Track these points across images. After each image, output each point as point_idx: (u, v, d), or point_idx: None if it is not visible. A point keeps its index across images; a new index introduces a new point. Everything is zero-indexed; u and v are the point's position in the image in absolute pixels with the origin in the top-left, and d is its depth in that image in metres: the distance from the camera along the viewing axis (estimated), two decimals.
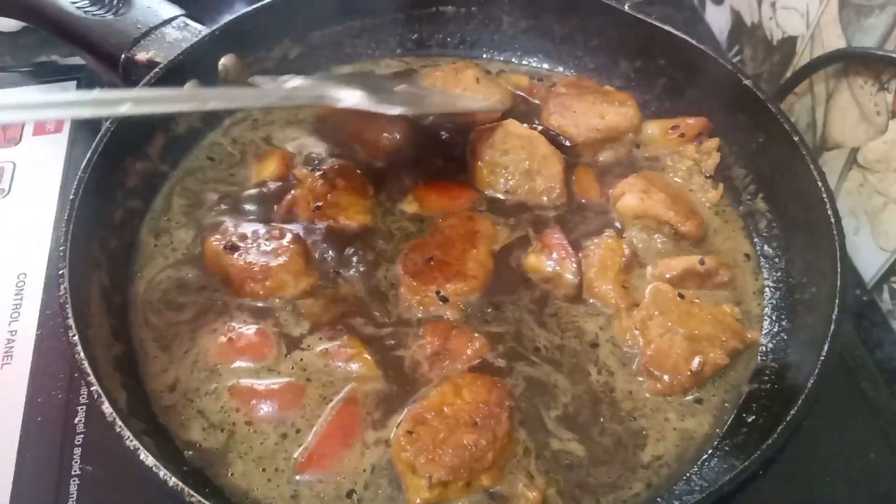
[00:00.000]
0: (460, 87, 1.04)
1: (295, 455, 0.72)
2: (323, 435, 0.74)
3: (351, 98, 0.87)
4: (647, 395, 0.79)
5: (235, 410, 0.75)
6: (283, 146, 1.00)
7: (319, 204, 0.89)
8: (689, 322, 0.81)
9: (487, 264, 0.87)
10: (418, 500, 0.69)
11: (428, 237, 0.89)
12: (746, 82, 0.91)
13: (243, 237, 0.85)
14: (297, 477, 0.71)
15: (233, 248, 0.84)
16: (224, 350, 0.79)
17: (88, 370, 0.67)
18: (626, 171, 0.96)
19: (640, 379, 0.79)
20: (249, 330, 0.80)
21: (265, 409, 0.76)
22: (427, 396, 0.75)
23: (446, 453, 0.69)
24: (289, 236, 0.86)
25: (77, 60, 1.21)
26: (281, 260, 0.83)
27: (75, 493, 0.77)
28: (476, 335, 0.81)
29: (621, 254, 0.87)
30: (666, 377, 0.78)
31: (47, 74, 1.21)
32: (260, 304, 0.83)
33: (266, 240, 0.85)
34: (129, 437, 0.64)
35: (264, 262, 0.83)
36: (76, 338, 0.68)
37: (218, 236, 0.85)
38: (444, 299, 0.83)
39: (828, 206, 0.79)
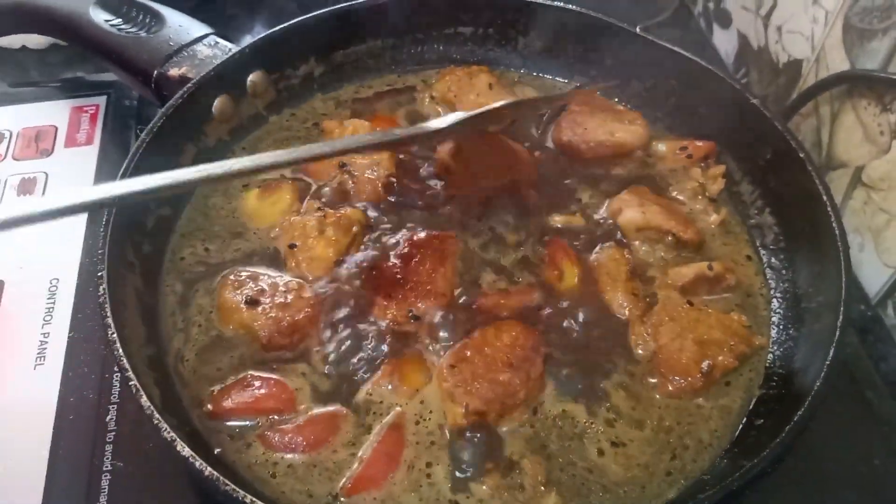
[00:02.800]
0: (473, 93, 1.07)
1: (341, 483, 0.75)
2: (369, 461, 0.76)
3: (443, 121, 0.88)
4: (657, 395, 0.81)
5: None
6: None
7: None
8: (697, 328, 0.84)
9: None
10: (455, 424, 0.77)
11: None
12: (754, 101, 0.95)
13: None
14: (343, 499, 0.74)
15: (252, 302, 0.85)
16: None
17: (126, 365, 0.70)
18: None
19: (652, 381, 0.82)
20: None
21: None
22: (471, 338, 0.82)
23: (483, 387, 0.78)
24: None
25: (104, 77, 1.25)
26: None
27: (107, 487, 0.80)
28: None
29: (625, 262, 0.91)
30: (676, 379, 0.81)
31: (76, 90, 1.25)
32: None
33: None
34: (165, 430, 0.66)
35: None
36: (115, 335, 0.72)
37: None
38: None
39: (833, 219, 0.82)
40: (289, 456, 0.76)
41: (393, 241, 0.92)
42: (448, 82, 1.10)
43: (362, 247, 0.92)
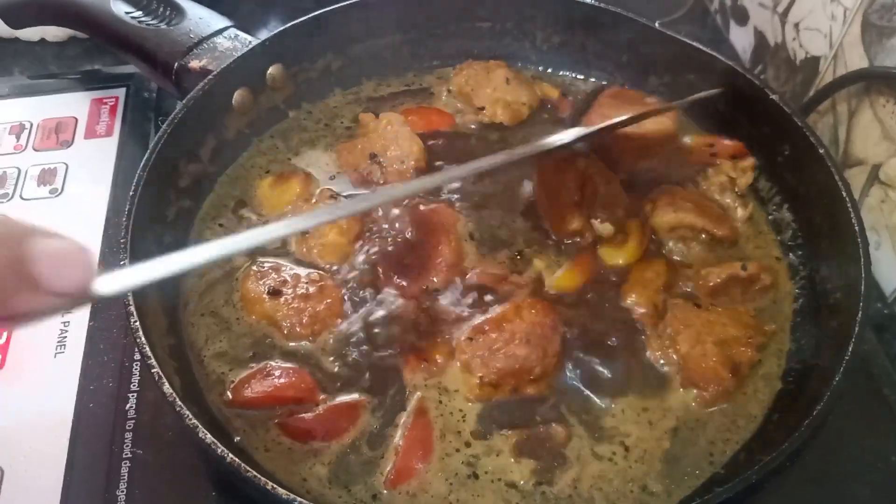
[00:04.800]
0: (490, 88, 1.07)
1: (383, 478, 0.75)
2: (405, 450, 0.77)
3: (566, 135, 0.88)
4: (694, 405, 0.81)
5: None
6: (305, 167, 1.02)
7: None
8: (713, 329, 0.84)
9: None
10: (469, 395, 0.80)
11: None
12: (773, 97, 0.95)
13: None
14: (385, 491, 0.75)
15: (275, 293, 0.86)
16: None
17: (149, 353, 0.70)
18: (661, 180, 0.99)
19: (682, 391, 0.82)
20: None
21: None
22: (492, 313, 0.84)
23: (498, 360, 0.80)
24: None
25: (123, 69, 1.25)
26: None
27: (126, 475, 0.80)
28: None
29: (665, 274, 0.90)
30: (710, 386, 0.81)
31: (95, 82, 1.25)
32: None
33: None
34: (188, 417, 0.66)
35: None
36: (137, 323, 0.72)
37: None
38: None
39: (852, 215, 0.82)
40: (310, 444, 0.77)
41: (394, 224, 0.93)
42: (465, 76, 1.09)
43: (366, 233, 0.92)
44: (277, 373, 0.81)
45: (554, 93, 1.13)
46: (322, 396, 0.80)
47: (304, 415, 0.78)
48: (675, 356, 0.83)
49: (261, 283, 0.86)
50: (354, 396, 0.80)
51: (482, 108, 1.08)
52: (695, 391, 0.82)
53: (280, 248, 0.91)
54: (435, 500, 0.74)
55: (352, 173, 1.00)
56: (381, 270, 0.89)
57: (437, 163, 1.01)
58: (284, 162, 1.03)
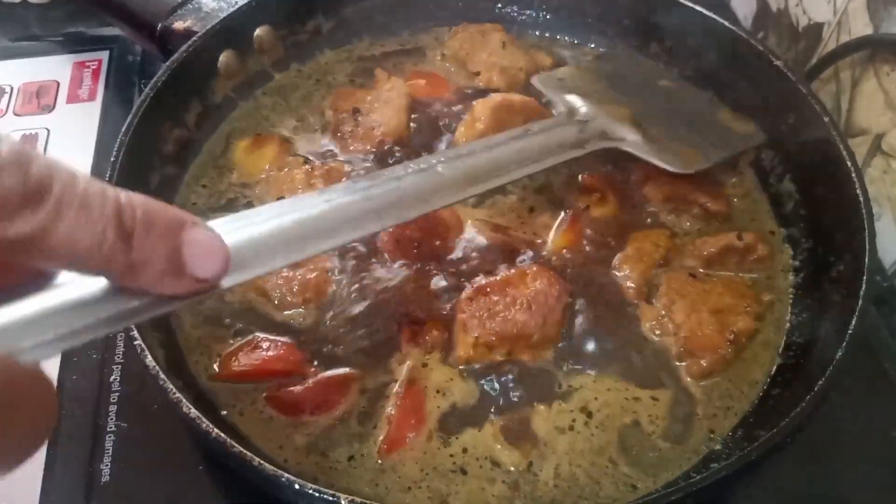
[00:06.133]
0: (486, 52, 1.05)
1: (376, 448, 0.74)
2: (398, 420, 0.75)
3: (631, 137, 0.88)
4: (689, 379, 0.80)
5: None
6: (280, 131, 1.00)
7: None
8: (709, 298, 0.82)
9: None
10: (463, 354, 0.78)
11: None
12: (777, 63, 0.92)
13: None
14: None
15: None
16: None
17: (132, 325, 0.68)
18: None
19: (680, 364, 0.80)
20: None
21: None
22: (496, 277, 0.82)
23: (496, 322, 0.78)
24: None
25: (106, 31, 1.22)
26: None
27: (111, 448, 0.78)
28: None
29: (664, 248, 0.88)
30: (707, 355, 0.79)
31: (78, 45, 1.22)
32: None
33: None
34: (171, 391, 0.65)
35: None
36: None
37: None
38: None
39: (856, 185, 0.80)
40: (299, 418, 0.75)
41: None
42: (460, 40, 1.07)
43: None
44: (266, 345, 0.79)
45: (546, 61, 1.10)
46: (312, 369, 0.78)
47: (293, 388, 0.76)
48: (670, 326, 0.82)
49: None
50: (345, 370, 0.78)
51: (477, 73, 1.05)
52: (687, 362, 0.80)
53: None
54: (417, 468, 0.73)
55: (332, 118, 0.99)
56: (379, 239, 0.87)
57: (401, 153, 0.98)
58: (267, 121, 1.01)
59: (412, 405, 0.75)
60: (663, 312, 0.83)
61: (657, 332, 0.83)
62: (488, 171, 0.75)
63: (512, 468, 0.73)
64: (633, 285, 0.85)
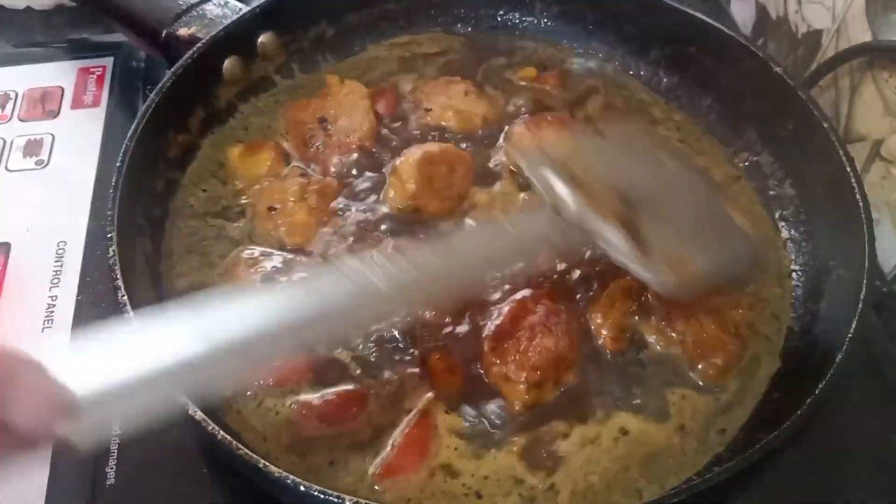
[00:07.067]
0: (446, 96, 1.02)
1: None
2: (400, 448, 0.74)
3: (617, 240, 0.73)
4: (702, 383, 0.79)
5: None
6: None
7: None
8: (699, 302, 0.81)
9: None
10: (519, 405, 0.75)
11: None
12: (777, 70, 0.93)
13: None
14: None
15: None
16: None
17: None
18: None
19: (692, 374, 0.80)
20: None
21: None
22: (499, 317, 0.79)
23: (533, 357, 0.75)
24: None
25: (111, 38, 1.22)
26: None
27: (116, 451, 0.79)
28: None
29: (635, 300, 0.84)
30: (718, 356, 0.79)
31: (82, 51, 1.22)
32: None
33: None
34: None
35: None
36: (125, 297, 0.70)
37: None
38: None
39: (856, 191, 0.81)
40: (307, 428, 0.74)
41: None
42: (425, 87, 1.04)
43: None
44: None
45: (531, 72, 1.08)
46: (322, 383, 0.77)
47: (306, 398, 0.76)
48: (674, 335, 0.81)
49: (252, 270, 0.84)
50: (356, 386, 0.77)
51: (429, 110, 1.01)
52: (702, 366, 0.80)
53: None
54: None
55: (294, 133, 0.98)
56: None
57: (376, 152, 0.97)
58: (269, 129, 1.00)
59: (419, 436, 0.74)
60: (663, 325, 0.82)
61: (662, 344, 0.81)
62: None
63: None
64: (608, 334, 0.82)
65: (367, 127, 0.97)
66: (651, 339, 0.82)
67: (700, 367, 0.80)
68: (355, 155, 0.96)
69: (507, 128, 0.99)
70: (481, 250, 0.73)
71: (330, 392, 0.76)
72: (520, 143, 0.95)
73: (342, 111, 0.98)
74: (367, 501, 0.59)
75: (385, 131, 1.00)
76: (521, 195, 0.93)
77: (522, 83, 1.08)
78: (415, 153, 0.91)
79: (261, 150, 0.96)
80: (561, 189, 0.74)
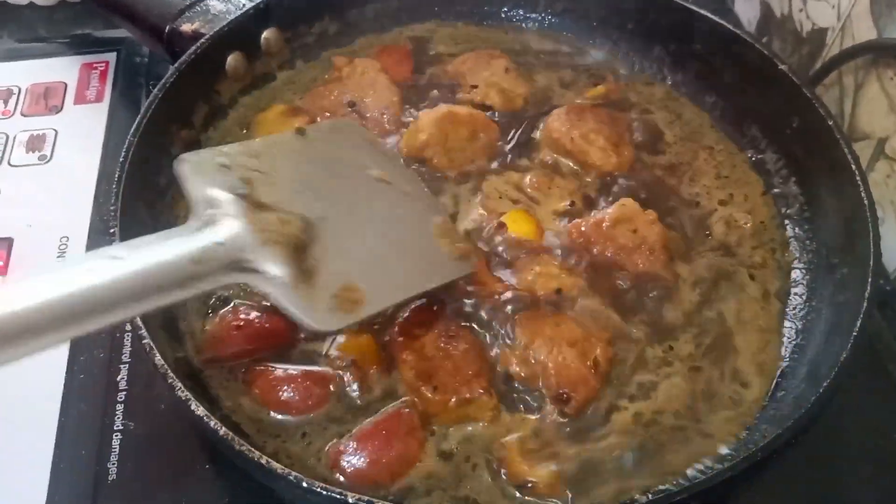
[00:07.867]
0: (489, 72, 1.03)
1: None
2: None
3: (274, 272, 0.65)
4: (555, 418, 0.75)
5: None
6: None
7: None
8: (560, 330, 0.78)
9: None
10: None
11: None
12: (782, 67, 0.92)
13: None
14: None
15: None
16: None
17: (140, 323, 0.68)
18: None
19: (547, 409, 0.75)
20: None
21: None
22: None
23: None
24: None
25: (113, 33, 1.23)
26: None
27: (118, 448, 0.79)
28: None
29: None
30: (578, 389, 0.75)
31: (85, 46, 1.23)
32: None
33: None
34: (180, 388, 0.65)
35: None
36: None
37: None
38: None
39: (861, 188, 0.81)
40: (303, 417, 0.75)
41: None
42: (465, 61, 1.06)
43: None
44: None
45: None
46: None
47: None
48: (536, 366, 0.76)
49: None
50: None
51: (475, 87, 1.02)
52: (548, 407, 0.75)
53: None
54: None
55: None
56: None
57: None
58: None
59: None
60: (523, 357, 0.77)
61: (523, 377, 0.76)
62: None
63: None
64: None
65: (397, 99, 1.00)
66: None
67: (549, 404, 0.75)
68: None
69: (544, 119, 1.00)
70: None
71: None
72: (555, 136, 0.96)
73: (366, 89, 0.99)
74: (372, 499, 0.59)
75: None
76: (527, 178, 0.93)
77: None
78: (441, 109, 0.94)
79: (297, 116, 0.98)
80: (220, 196, 0.66)
